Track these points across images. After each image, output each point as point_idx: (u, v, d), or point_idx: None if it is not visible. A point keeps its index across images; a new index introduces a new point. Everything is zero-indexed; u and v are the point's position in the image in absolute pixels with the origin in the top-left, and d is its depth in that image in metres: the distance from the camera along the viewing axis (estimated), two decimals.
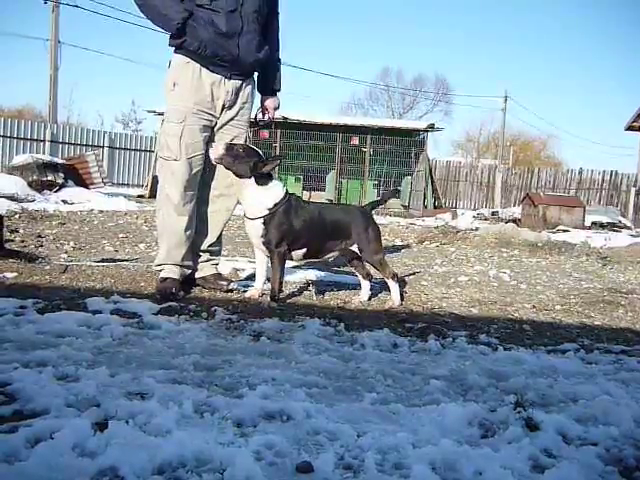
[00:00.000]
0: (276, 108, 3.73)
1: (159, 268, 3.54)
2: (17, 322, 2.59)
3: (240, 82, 3.47)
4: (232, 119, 3.52)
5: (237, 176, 3.32)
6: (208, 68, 3.36)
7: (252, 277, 3.85)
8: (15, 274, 3.70)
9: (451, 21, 74.80)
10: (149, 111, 17.27)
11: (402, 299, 3.59)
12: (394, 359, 2.45)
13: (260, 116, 3.74)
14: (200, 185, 3.54)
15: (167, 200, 3.43)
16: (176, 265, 3.50)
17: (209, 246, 3.68)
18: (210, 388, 1.97)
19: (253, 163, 3.27)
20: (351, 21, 77.57)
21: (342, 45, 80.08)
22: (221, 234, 3.75)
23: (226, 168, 3.33)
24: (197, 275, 3.68)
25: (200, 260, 3.67)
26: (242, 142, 3.54)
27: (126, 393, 1.85)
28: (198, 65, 3.36)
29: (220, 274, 3.77)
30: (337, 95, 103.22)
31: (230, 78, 3.42)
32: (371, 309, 3.46)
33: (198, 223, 3.58)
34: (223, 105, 3.46)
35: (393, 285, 3.54)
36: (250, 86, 3.57)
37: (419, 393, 2.08)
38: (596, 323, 3.45)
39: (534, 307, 3.76)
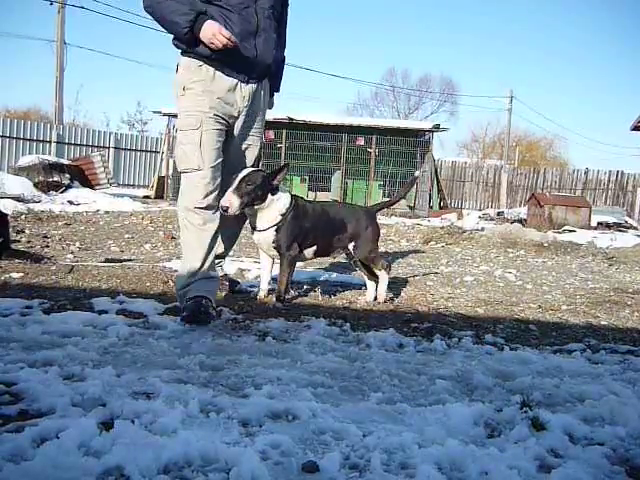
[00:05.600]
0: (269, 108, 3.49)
1: (185, 290, 3.03)
2: (23, 322, 2.60)
3: (256, 86, 3.18)
4: (247, 126, 3.23)
5: (261, 202, 3.19)
6: (224, 72, 3.05)
7: (258, 277, 3.85)
8: (21, 274, 3.72)
9: (457, 21, 74.73)
10: (155, 112, 17.32)
11: (396, 298, 3.58)
12: (400, 359, 2.44)
13: None
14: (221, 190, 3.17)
15: (190, 216, 3.06)
16: (205, 278, 3.07)
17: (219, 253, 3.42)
18: (216, 388, 1.97)
19: (266, 183, 3.17)
20: (356, 21, 77.59)
21: (347, 46, 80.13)
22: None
23: (249, 207, 3.18)
24: None
25: None
26: (256, 152, 3.32)
27: (132, 393, 1.85)
28: (212, 68, 3.03)
29: (226, 274, 3.76)
30: (342, 96, 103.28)
31: (247, 82, 3.12)
32: (377, 309, 3.45)
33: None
34: (239, 111, 3.15)
35: (383, 277, 3.50)
36: (264, 90, 3.28)
37: (425, 393, 2.07)
38: (602, 323, 3.44)
39: (540, 307, 3.75)
